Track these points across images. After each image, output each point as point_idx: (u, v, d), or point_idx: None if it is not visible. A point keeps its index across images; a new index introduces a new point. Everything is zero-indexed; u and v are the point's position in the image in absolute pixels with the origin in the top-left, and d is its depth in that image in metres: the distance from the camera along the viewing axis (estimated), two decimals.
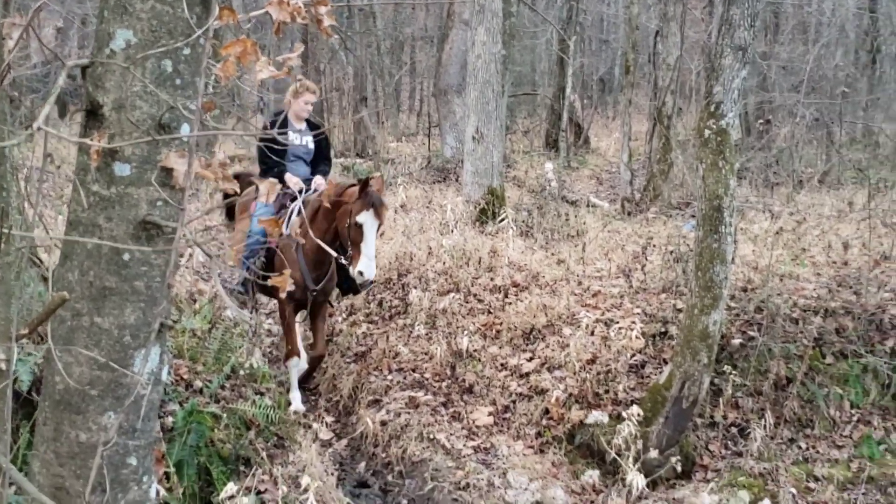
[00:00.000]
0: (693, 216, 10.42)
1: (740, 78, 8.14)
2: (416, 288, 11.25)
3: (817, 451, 8.87)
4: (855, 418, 9.23)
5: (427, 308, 10.78)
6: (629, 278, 11.06)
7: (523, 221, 14.94)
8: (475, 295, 11.11)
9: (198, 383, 7.13)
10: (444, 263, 11.97)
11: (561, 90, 25.15)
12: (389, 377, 9.78)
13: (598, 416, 8.58)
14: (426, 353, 10.06)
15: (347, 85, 28.88)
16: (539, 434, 8.77)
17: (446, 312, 10.64)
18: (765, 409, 8.96)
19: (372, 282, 9.72)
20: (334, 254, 8.50)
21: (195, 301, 9.48)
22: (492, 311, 10.64)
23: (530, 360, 9.65)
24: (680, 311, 9.60)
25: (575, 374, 9.16)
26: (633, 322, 9.71)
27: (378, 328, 10.92)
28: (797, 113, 17.36)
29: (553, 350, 9.63)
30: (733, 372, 8.98)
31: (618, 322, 9.84)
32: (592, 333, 9.73)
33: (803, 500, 8.10)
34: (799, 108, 16.52)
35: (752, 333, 9.56)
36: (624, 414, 7.92)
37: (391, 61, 32.22)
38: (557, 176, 19.08)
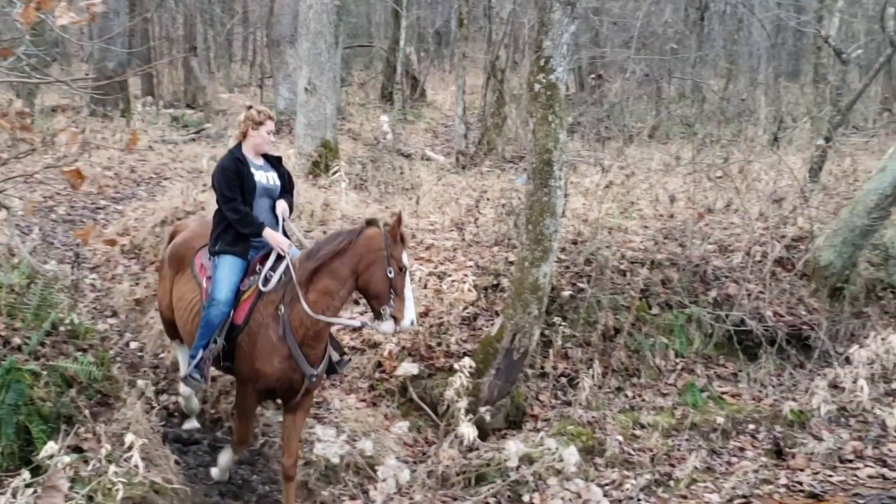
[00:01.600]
0: (526, 170, 10.59)
1: (569, 33, 8.25)
2: None
3: (643, 399, 9.19)
4: (679, 367, 9.60)
5: None
6: (462, 231, 11.16)
7: (357, 174, 14.89)
8: None
9: (16, 340, 6.85)
10: None
11: (396, 43, 25.06)
12: None
13: (408, 367, 8.66)
14: None
15: (176, 34, 28.08)
16: (372, 387, 8.79)
17: None
18: (593, 359, 9.22)
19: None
20: (356, 323, 7.25)
21: (13, 255, 9.08)
22: None
23: (363, 313, 9.64)
24: (512, 263, 9.75)
25: None
26: (466, 275, 9.81)
27: None
28: (628, 68, 17.76)
29: None
30: (563, 323, 9.20)
31: (451, 275, 9.93)
32: (425, 286, 9.79)
33: (629, 446, 8.39)
34: (630, 63, 16.89)
35: (581, 285, 9.79)
36: (456, 366, 8.01)
37: (222, 10, 31.49)
38: (392, 129, 19.07)
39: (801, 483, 8.66)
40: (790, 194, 12.42)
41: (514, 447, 7.43)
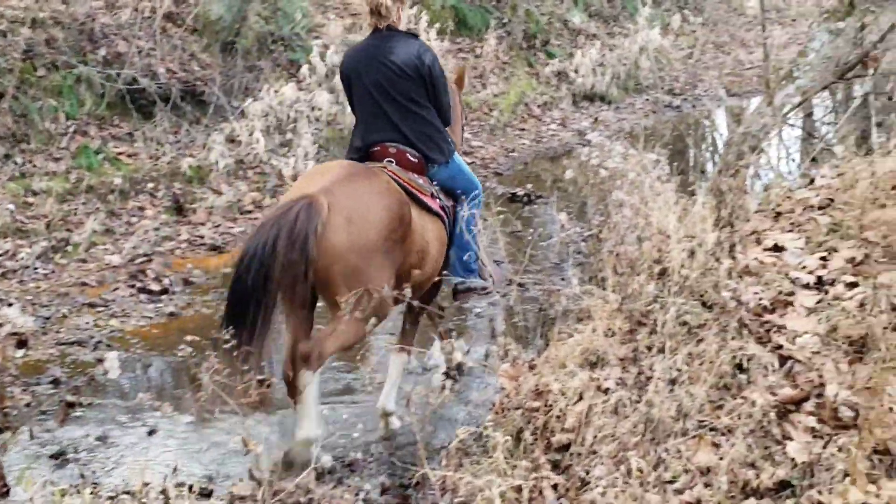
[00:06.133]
0: None
1: None
2: None
3: (35, 166, 9.04)
4: (72, 130, 9.52)
5: None
6: None
7: None
8: None
9: None
10: None
11: None
12: None
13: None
14: None
15: None
16: None
17: None
18: None
19: None
20: None
21: None
22: None
23: None
24: None
25: None
26: None
27: None
28: None
29: None
30: None
31: None
32: None
33: (22, 214, 8.28)
34: None
35: None
36: None
37: None
38: None
39: (202, 237, 9.17)
40: None
41: None
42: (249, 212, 9.91)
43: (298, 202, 4.77)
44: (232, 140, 10.43)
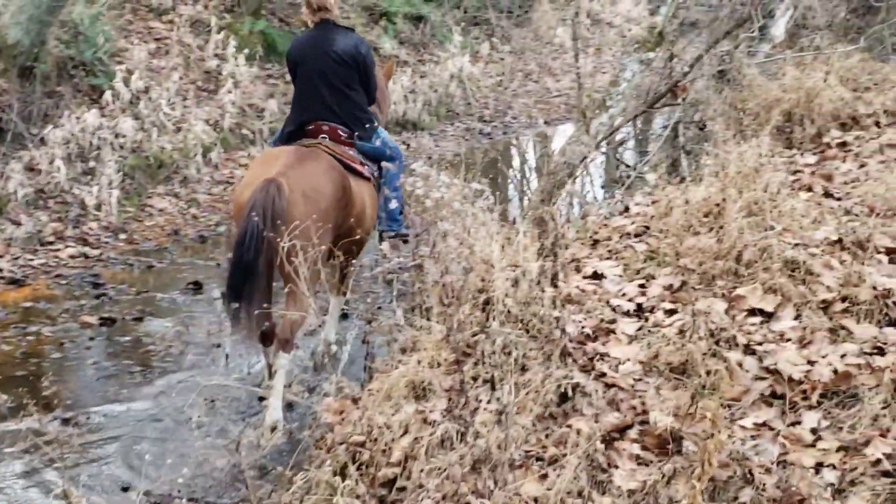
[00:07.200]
0: None
1: None
2: None
3: None
4: None
5: None
6: None
7: None
8: None
9: None
10: None
11: None
12: None
13: None
14: None
15: None
16: None
17: None
18: None
19: None
20: None
21: None
22: None
23: None
24: None
25: None
26: None
27: None
28: None
29: None
30: None
31: None
32: None
33: None
34: None
35: None
36: None
37: None
38: None
39: (0, 270, 8.76)
40: None
41: None
42: (51, 243, 9.53)
43: (269, 184, 5.55)
44: (31, 168, 10.01)
